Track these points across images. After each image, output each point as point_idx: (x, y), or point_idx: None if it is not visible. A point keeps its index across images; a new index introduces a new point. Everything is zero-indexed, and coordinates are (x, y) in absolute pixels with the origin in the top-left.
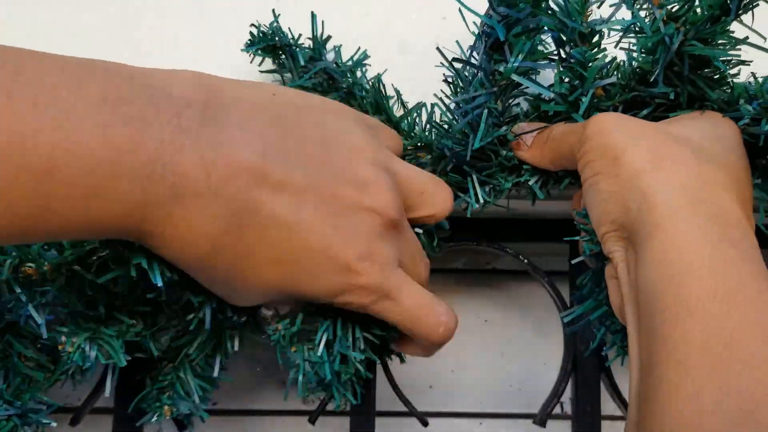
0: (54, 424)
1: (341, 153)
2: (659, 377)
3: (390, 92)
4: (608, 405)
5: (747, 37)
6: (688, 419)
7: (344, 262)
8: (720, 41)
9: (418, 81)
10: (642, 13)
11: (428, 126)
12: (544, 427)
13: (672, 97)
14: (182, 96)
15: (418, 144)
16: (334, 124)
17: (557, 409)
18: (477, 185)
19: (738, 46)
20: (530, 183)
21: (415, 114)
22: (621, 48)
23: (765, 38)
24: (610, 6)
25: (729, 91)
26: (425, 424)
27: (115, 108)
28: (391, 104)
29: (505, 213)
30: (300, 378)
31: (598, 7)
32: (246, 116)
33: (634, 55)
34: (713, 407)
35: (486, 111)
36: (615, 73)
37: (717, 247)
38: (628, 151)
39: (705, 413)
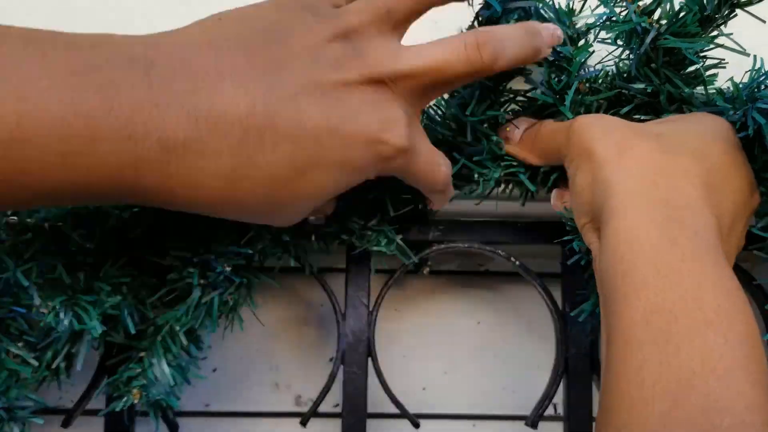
0: (41, 422)
1: (305, 42)
2: (611, 356)
3: None
4: None
5: (718, 35)
6: (632, 394)
7: (368, 139)
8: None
9: None
10: (618, 10)
11: (424, 115)
12: (536, 428)
13: (649, 91)
14: (145, 56)
15: None
16: (284, 21)
17: (550, 411)
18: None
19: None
20: (520, 175)
21: None
22: (600, 41)
23: (739, 45)
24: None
25: (704, 90)
26: (417, 425)
27: (83, 76)
28: None
29: (497, 215)
30: None
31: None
32: (209, 54)
33: (615, 51)
34: (653, 380)
35: (479, 88)
36: (601, 75)
37: (664, 227)
38: (598, 144)
39: (646, 387)
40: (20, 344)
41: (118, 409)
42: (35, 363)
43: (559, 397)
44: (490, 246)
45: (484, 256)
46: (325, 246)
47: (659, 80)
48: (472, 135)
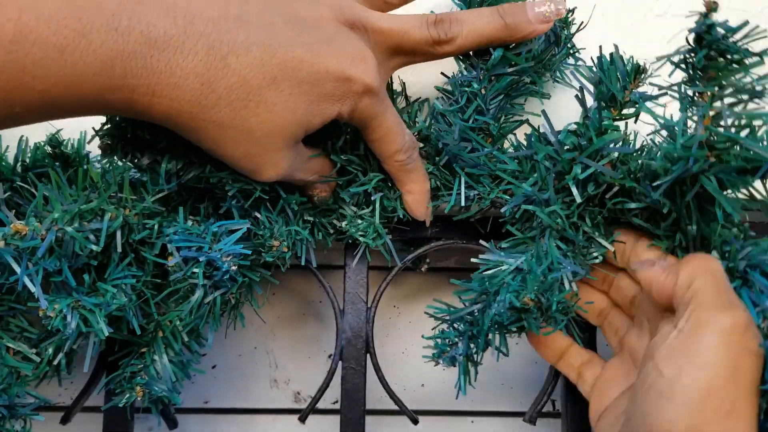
0: (42, 418)
1: None
2: None
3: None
4: None
5: (759, 200)
6: None
7: (339, 65)
8: (735, 191)
9: (423, 75)
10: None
11: (430, 120)
12: (534, 425)
13: (665, 211)
14: None
15: (418, 132)
16: None
17: (549, 408)
18: (463, 187)
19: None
20: (503, 209)
21: (416, 107)
22: (649, 138)
23: None
24: (659, 89)
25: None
26: (415, 422)
27: None
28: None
29: (494, 212)
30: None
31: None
32: None
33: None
34: None
35: (468, 93)
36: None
37: None
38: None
39: None
40: (21, 342)
41: (121, 405)
42: (37, 359)
43: (558, 394)
44: (488, 242)
45: (481, 252)
46: (321, 230)
47: (680, 204)
48: (460, 138)
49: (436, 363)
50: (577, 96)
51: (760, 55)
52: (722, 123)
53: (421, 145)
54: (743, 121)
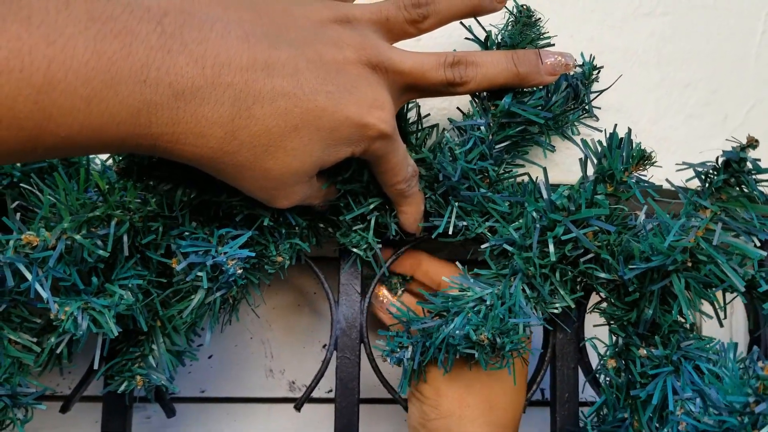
0: (44, 407)
1: (310, 16)
2: None
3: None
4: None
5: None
6: None
7: (358, 113)
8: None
9: (446, 108)
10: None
11: (436, 150)
12: (524, 412)
13: (630, 290)
14: (159, 6)
15: (423, 160)
16: None
17: (539, 396)
18: (454, 216)
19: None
20: (483, 246)
21: (426, 133)
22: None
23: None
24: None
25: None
26: (407, 408)
27: (103, 24)
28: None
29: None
30: None
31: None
32: (220, 9)
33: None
34: None
35: (476, 137)
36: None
37: None
38: None
39: None
40: (22, 332)
41: (120, 391)
42: (38, 349)
43: (546, 384)
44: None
45: (469, 243)
46: (316, 234)
47: (642, 289)
48: (461, 176)
49: (384, 359)
50: (580, 160)
51: None
52: (712, 240)
53: (423, 171)
54: (728, 247)
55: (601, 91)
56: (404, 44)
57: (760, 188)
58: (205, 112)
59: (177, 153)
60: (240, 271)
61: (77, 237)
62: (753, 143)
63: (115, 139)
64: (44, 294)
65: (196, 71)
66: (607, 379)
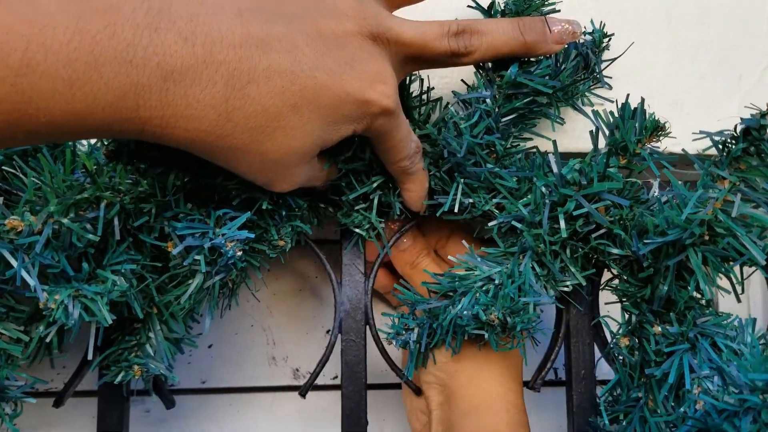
0: (33, 401)
1: None
2: None
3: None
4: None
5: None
6: None
7: (360, 89)
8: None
9: (449, 77)
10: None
11: (440, 124)
12: (538, 391)
13: (645, 265)
14: None
15: (428, 136)
16: None
17: (552, 376)
18: (460, 193)
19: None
20: (491, 224)
21: (430, 107)
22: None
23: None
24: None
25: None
26: (418, 392)
27: (85, 2)
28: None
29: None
30: None
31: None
32: None
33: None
34: None
35: (482, 110)
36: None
37: None
38: None
39: None
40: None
41: (116, 382)
42: (26, 338)
43: (560, 363)
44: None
45: (476, 221)
46: (317, 215)
47: (656, 265)
48: (467, 151)
49: (390, 342)
50: (591, 132)
51: None
52: (730, 212)
53: (428, 148)
54: (747, 219)
55: (613, 60)
56: (403, 12)
57: None
58: (197, 93)
59: (167, 137)
60: (239, 254)
61: (65, 221)
62: None
63: (100, 124)
64: (31, 281)
65: (186, 50)
66: (620, 357)
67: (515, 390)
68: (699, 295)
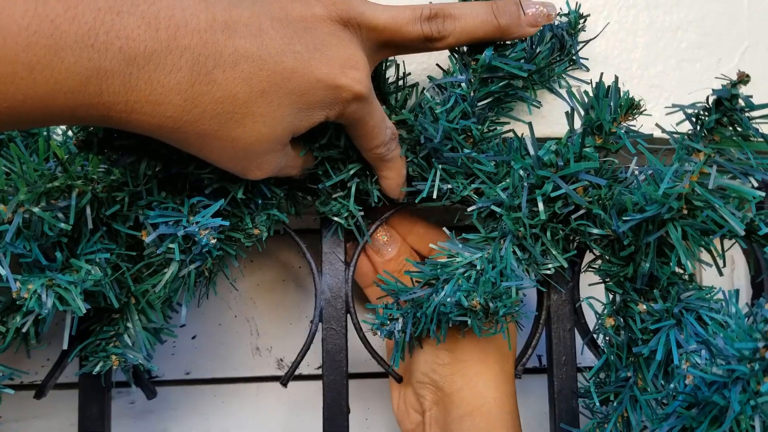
0: (12, 392)
1: None
2: None
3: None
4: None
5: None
6: None
7: (330, 74)
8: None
9: (425, 62)
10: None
11: (416, 109)
12: (519, 378)
13: (625, 243)
14: None
15: (404, 122)
16: None
17: (536, 363)
18: (438, 179)
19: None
20: (470, 209)
21: (407, 93)
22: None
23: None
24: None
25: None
26: (400, 380)
27: None
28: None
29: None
30: None
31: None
32: None
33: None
34: None
35: (458, 95)
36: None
37: None
38: None
39: None
40: None
41: (95, 372)
42: (3, 329)
43: (543, 350)
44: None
45: (461, 210)
46: (295, 204)
47: (637, 242)
48: (443, 136)
49: (375, 333)
50: (567, 113)
51: (765, 138)
52: (707, 184)
53: (405, 134)
54: (726, 191)
55: (588, 41)
56: None
57: (754, 125)
58: (161, 78)
59: (133, 123)
60: (214, 241)
61: (36, 210)
62: (744, 79)
63: (63, 109)
64: (2, 271)
65: (149, 34)
66: (607, 338)
67: (510, 394)
68: (681, 270)
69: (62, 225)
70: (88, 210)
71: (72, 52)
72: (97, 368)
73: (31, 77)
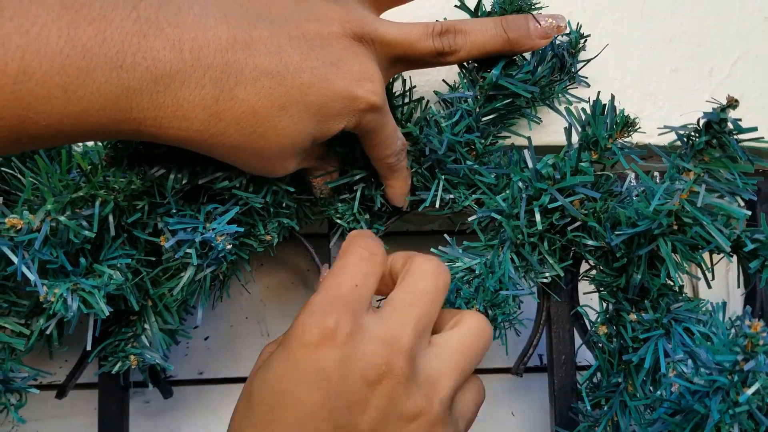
0: (37, 391)
1: None
2: None
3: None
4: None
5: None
6: None
7: (347, 86)
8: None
9: (431, 77)
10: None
11: (422, 122)
12: (521, 376)
13: (618, 255)
14: None
15: (409, 134)
16: None
17: (537, 362)
18: (441, 189)
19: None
20: (471, 219)
21: (413, 107)
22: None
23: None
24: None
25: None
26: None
27: (76, 12)
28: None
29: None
30: None
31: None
32: None
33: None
34: None
35: (463, 110)
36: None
37: None
38: None
39: None
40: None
41: (114, 372)
42: (27, 332)
43: (543, 349)
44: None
45: (466, 214)
46: (304, 211)
47: (629, 255)
48: (447, 149)
49: None
50: (565, 128)
51: (752, 161)
52: (696, 202)
53: (409, 146)
54: (714, 209)
55: (588, 61)
56: (389, 14)
57: (741, 147)
58: (186, 95)
59: (163, 136)
60: (229, 247)
61: (62, 218)
62: (733, 103)
63: (96, 126)
64: (31, 276)
65: (173, 55)
66: (600, 345)
67: None
68: (671, 283)
69: (87, 232)
70: (111, 218)
71: (102, 73)
72: (116, 368)
73: (65, 97)
